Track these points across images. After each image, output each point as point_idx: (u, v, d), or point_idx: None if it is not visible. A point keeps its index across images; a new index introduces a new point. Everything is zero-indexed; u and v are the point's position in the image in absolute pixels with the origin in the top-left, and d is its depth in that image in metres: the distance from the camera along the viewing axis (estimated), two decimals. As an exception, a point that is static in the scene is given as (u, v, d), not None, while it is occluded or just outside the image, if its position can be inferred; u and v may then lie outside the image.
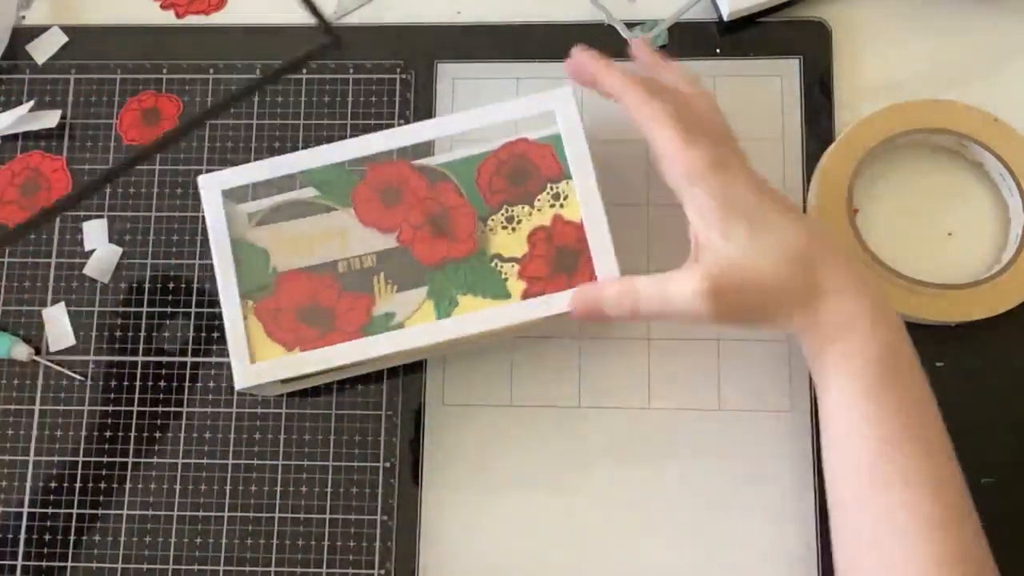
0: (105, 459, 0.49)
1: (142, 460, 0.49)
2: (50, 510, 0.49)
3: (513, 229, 0.44)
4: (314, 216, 0.45)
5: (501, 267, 0.44)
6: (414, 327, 0.44)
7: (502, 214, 0.44)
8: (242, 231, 0.45)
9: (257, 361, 0.44)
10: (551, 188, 0.45)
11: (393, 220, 0.45)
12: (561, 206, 0.44)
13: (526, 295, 0.43)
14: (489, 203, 0.45)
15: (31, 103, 0.54)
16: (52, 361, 0.50)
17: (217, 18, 0.55)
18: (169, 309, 0.51)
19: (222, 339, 0.45)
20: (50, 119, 0.53)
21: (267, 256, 0.45)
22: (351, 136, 0.46)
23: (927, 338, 0.47)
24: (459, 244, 0.44)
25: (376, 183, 0.45)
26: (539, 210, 0.44)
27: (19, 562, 0.48)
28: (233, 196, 0.46)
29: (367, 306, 0.44)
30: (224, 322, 0.44)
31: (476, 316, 0.43)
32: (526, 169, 0.45)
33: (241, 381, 0.44)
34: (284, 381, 0.45)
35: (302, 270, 0.45)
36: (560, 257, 0.44)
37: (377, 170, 0.45)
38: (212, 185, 0.45)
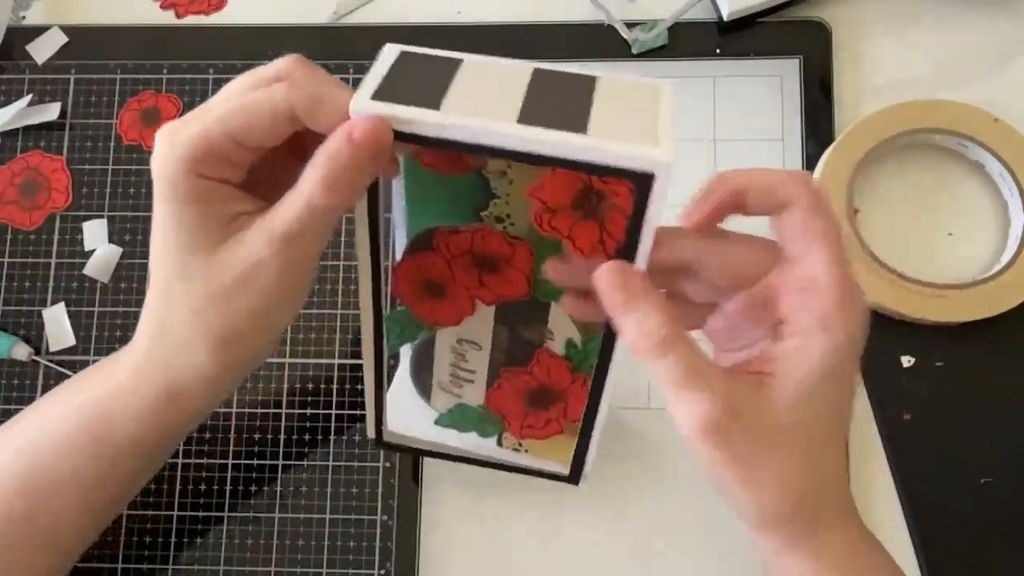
0: (105, 459, 0.49)
1: (142, 460, 0.49)
2: (50, 510, 0.49)
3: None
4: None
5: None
6: None
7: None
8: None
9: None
10: None
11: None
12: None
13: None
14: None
15: (31, 96, 0.54)
16: (52, 361, 0.50)
17: (217, 18, 0.55)
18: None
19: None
20: (51, 112, 0.54)
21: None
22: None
23: (927, 338, 0.48)
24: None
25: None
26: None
27: (19, 562, 0.48)
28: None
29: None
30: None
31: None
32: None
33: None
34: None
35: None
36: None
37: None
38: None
